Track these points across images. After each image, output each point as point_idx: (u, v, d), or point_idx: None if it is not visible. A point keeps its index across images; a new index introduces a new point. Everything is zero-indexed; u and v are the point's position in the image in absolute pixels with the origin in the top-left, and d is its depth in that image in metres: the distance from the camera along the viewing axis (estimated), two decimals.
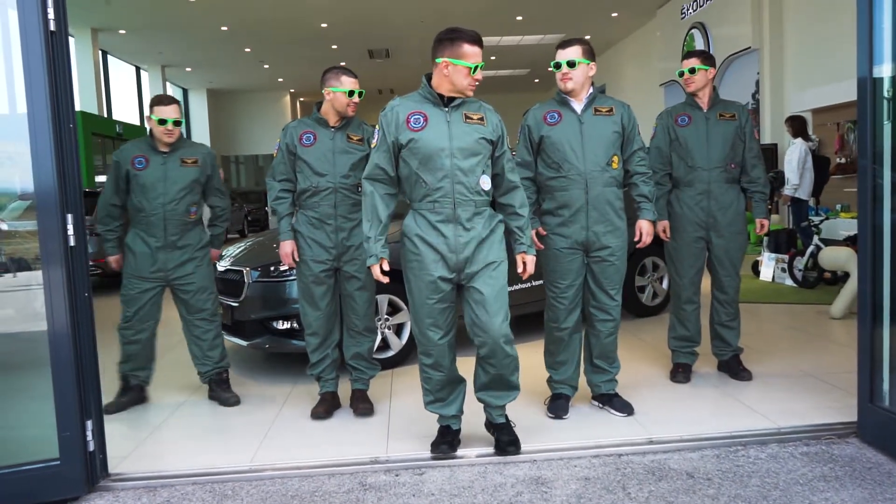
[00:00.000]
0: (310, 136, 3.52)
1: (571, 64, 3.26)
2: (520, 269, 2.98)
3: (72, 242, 2.76)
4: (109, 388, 4.19)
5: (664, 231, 3.84)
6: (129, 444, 3.37)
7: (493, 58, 19.54)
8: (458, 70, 2.81)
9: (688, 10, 14.24)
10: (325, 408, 3.60)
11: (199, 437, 3.52)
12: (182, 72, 20.14)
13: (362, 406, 3.61)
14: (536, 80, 24.82)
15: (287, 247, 3.53)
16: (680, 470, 2.87)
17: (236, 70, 19.85)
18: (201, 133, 22.71)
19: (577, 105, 3.31)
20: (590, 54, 3.28)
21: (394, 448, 3.17)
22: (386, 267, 2.87)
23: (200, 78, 21.30)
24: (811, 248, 6.73)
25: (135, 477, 2.98)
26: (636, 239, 3.41)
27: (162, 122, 3.73)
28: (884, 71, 2.89)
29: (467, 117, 2.87)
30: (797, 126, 7.41)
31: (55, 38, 2.71)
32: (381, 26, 15.60)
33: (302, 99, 26.39)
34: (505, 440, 3.01)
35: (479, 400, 3.04)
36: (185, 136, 3.98)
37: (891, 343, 2.99)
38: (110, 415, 3.76)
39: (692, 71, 3.80)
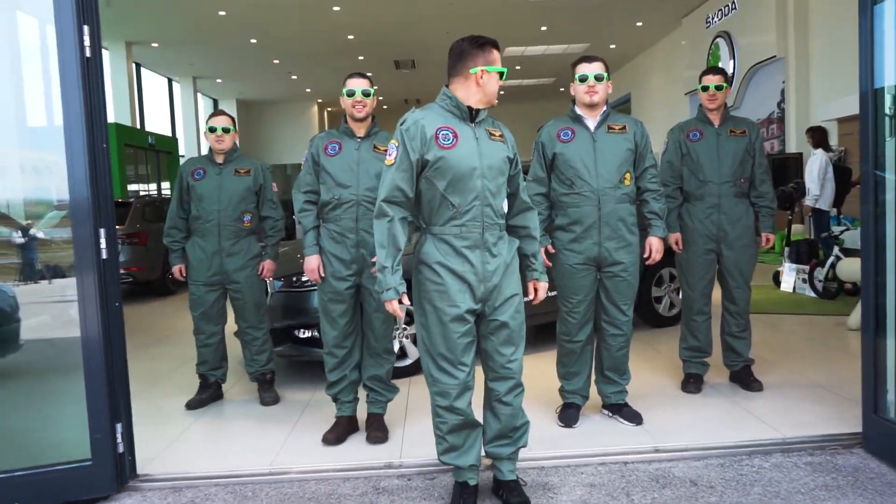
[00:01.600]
0: (335, 146, 3.45)
1: (599, 78, 3.35)
2: (530, 296, 2.79)
3: (104, 255, 2.94)
4: (140, 389, 4.40)
5: (676, 243, 3.92)
6: (157, 446, 3.54)
7: (518, 67, 19.66)
8: (492, 77, 2.62)
9: (713, 18, 14.23)
10: (337, 434, 3.48)
11: (223, 440, 3.68)
12: (213, 83, 20.57)
13: (375, 434, 3.47)
14: (562, 90, 24.84)
15: (313, 262, 3.45)
16: (684, 478, 2.95)
17: (265, 81, 20.20)
18: None
19: (591, 122, 3.40)
20: (609, 72, 3.38)
21: (408, 454, 3.29)
22: (406, 302, 2.63)
23: (230, 89, 21.72)
24: (831, 259, 6.72)
25: (161, 478, 3.14)
26: (646, 255, 3.49)
27: (212, 129, 4.04)
28: (885, 88, 2.96)
29: (490, 134, 2.67)
30: (818, 137, 7.40)
31: (90, 64, 2.89)
32: (407, 37, 15.82)
33: (329, 109, 26.75)
34: (515, 502, 2.70)
35: (489, 454, 2.78)
36: (238, 149, 4.24)
37: None
38: (191, 410, 4.13)
39: (719, 88, 3.87)
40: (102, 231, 2.92)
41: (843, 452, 3.13)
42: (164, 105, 19.49)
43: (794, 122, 11.53)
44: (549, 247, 3.44)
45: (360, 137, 3.48)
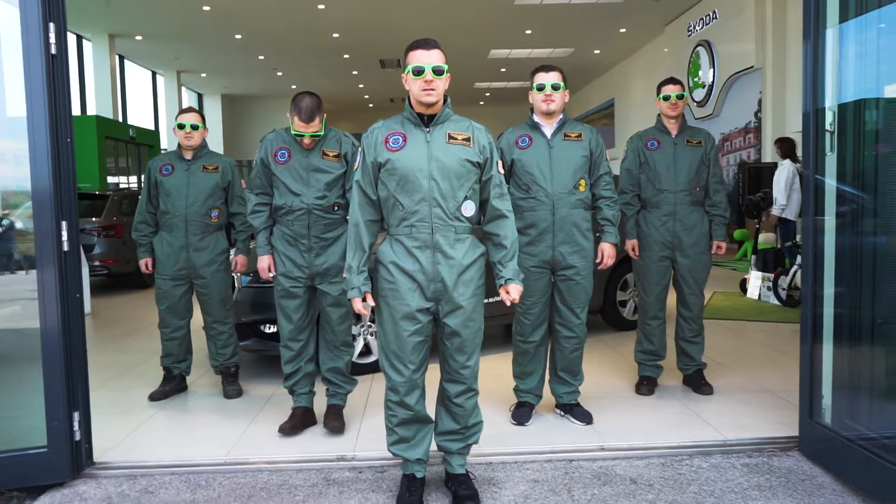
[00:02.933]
0: (284, 153, 3.46)
1: (556, 87, 3.45)
2: (503, 297, 2.75)
3: (66, 247, 3.00)
4: (105, 380, 4.45)
5: (633, 249, 4.04)
6: (117, 435, 3.60)
7: (503, 70, 19.82)
8: (409, 79, 2.64)
9: (695, 27, 14.42)
10: (293, 424, 3.55)
11: (183, 431, 3.75)
12: (197, 77, 20.54)
13: (333, 423, 3.53)
14: None
15: (263, 261, 3.53)
16: (625, 476, 3.05)
17: (250, 77, 20.21)
18: (215, 137, 23.09)
19: (548, 129, 3.51)
20: (566, 81, 3.48)
21: (362, 447, 3.37)
22: (371, 301, 2.70)
23: (215, 84, 21.70)
24: (794, 268, 6.88)
25: (118, 466, 3.21)
26: (597, 260, 3.59)
27: (181, 126, 4.11)
28: (827, 106, 3.08)
29: (451, 137, 2.67)
30: (786, 147, 7.56)
31: (56, 60, 2.95)
32: (392, 37, 15.87)
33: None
34: (464, 493, 2.78)
35: (440, 447, 2.88)
36: (207, 145, 4.30)
37: (833, 363, 3.17)
38: (155, 401, 4.19)
39: (680, 97, 3.99)
40: (64, 224, 2.99)
41: (780, 455, 3.25)
42: (147, 99, 19.43)
43: (771, 132, 11.73)
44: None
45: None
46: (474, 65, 18.93)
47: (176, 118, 4.18)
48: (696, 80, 14.48)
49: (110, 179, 14.18)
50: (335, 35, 15.53)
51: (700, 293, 4.08)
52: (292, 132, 3.42)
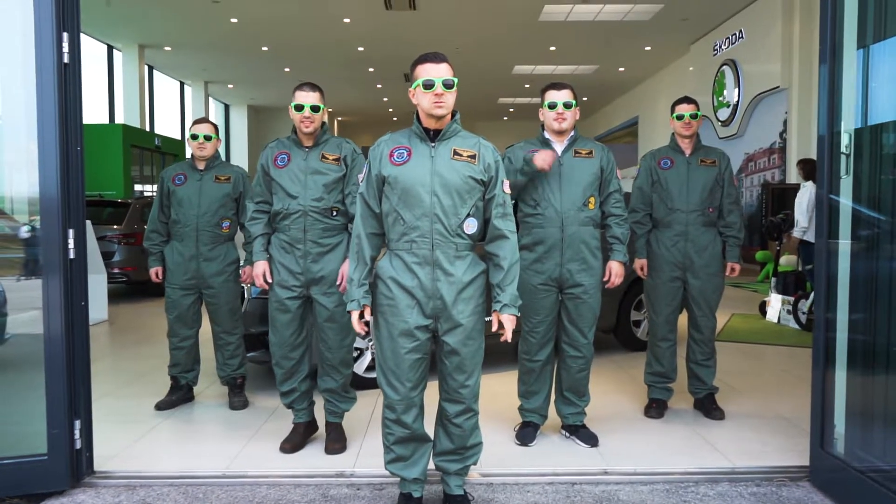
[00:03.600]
0: (284, 157, 3.45)
1: (568, 105, 3.42)
2: (494, 328, 2.69)
3: (72, 255, 3.02)
4: (114, 388, 4.48)
5: (642, 269, 3.98)
6: (120, 444, 3.60)
7: (527, 86, 19.83)
8: (418, 92, 2.62)
9: (720, 46, 14.32)
10: (293, 444, 3.51)
11: (185, 442, 3.75)
12: (224, 88, 20.81)
13: (333, 446, 3.49)
14: None
15: (258, 268, 3.46)
16: (628, 501, 2.98)
17: (276, 88, 20.41)
18: (241, 148, 23.36)
19: (559, 146, 3.47)
20: (577, 99, 3.46)
21: (362, 464, 3.34)
22: (367, 316, 2.69)
23: (242, 95, 21.97)
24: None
25: (118, 475, 3.20)
26: (605, 279, 3.54)
27: (194, 137, 4.14)
28: (843, 128, 3.01)
29: (456, 153, 2.64)
30: (808, 169, 7.44)
31: (68, 70, 2.99)
32: (416, 51, 15.75)
33: (340, 118, 26.97)
34: None
35: (438, 467, 2.84)
36: (221, 156, 4.34)
37: (846, 391, 3.08)
38: (161, 411, 4.20)
39: (694, 117, 3.94)
40: (71, 231, 3.01)
41: (790, 485, 3.16)
42: (175, 108, 19.72)
43: (795, 152, 11.57)
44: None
45: (308, 147, 3.48)
46: (498, 80, 18.97)
47: (189, 129, 4.20)
48: (720, 99, 14.36)
49: (136, 188, 14.39)
50: (360, 48, 15.66)
51: (712, 315, 4.00)
52: (293, 105, 3.41)
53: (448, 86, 2.61)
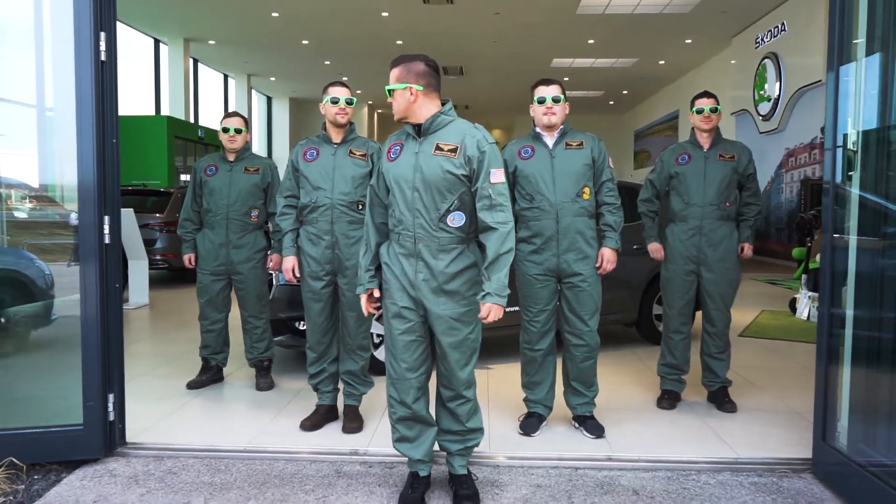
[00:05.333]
0: (313, 152, 3.65)
1: (556, 100, 3.53)
2: (482, 314, 2.68)
3: (107, 240, 3.23)
4: (149, 368, 4.73)
5: (658, 252, 4.09)
6: (151, 419, 3.83)
7: (566, 79, 19.74)
8: (393, 95, 2.77)
9: (762, 39, 14.09)
10: (314, 422, 3.70)
11: (211, 419, 3.95)
12: (266, 81, 21.22)
13: (350, 425, 3.66)
14: (611, 103, 24.83)
15: (287, 262, 3.68)
16: (628, 487, 3.08)
17: (317, 81, 20.66)
18: (283, 139, 23.78)
19: (550, 140, 3.57)
20: (565, 94, 3.56)
21: (376, 443, 3.49)
22: (376, 295, 2.88)
23: (283, 87, 22.36)
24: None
25: (147, 446, 3.42)
26: (597, 265, 3.60)
27: (225, 130, 4.36)
28: (849, 126, 3.05)
29: (438, 147, 2.71)
30: None
31: (105, 67, 3.19)
32: (455, 45, 16.09)
33: (379, 111, 27.23)
34: (463, 493, 2.86)
35: (441, 447, 2.95)
36: (250, 148, 4.56)
37: (850, 386, 3.11)
38: (192, 390, 4.43)
39: (714, 111, 3.98)
40: (107, 218, 3.22)
41: (792, 476, 3.21)
42: (219, 100, 20.17)
43: None
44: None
45: (336, 143, 3.67)
46: (537, 73, 18.79)
47: (220, 122, 4.41)
48: (761, 93, 14.15)
49: (181, 178, 14.83)
50: (399, 42, 15.81)
51: (726, 309, 4.04)
52: (329, 99, 3.61)
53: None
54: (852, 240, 3.10)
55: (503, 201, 2.71)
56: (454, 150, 2.70)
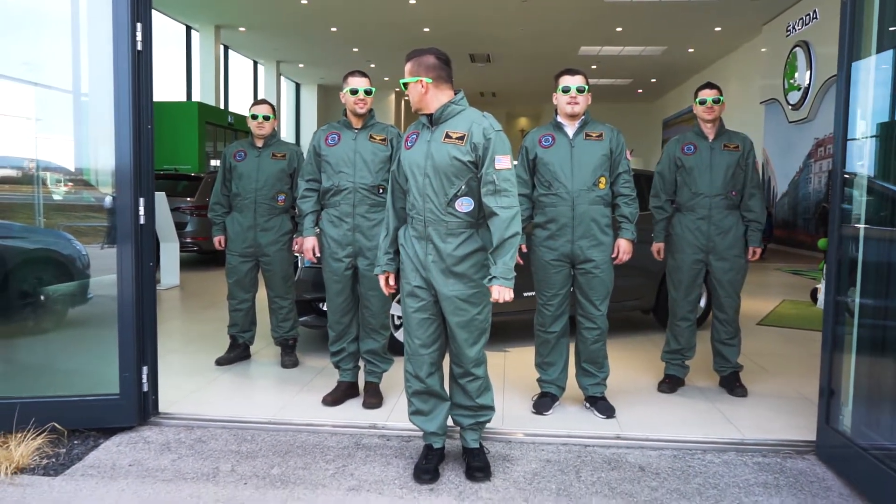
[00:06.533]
0: (334, 137, 3.79)
1: (581, 90, 3.63)
2: (493, 297, 2.79)
3: (142, 221, 3.41)
4: (181, 345, 4.93)
5: (658, 252, 4.15)
6: (183, 391, 4.04)
7: (593, 67, 19.68)
8: (409, 88, 2.92)
9: (794, 27, 13.94)
10: (335, 397, 3.86)
11: (239, 392, 4.15)
12: (295, 67, 21.45)
13: (370, 400, 3.83)
14: (640, 91, 24.66)
15: (308, 242, 3.86)
16: (634, 463, 3.20)
17: (345, 68, 20.59)
18: (310, 125, 24.03)
19: (570, 129, 3.68)
20: (588, 84, 3.66)
21: (393, 418, 3.66)
22: (392, 281, 3.05)
23: (312, 74, 22.58)
24: None
25: (179, 417, 3.62)
26: (613, 255, 3.71)
27: (254, 117, 4.54)
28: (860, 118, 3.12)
29: (447, 135, 2.84)
30: None
31: (141, 56, 3.36)
32: (482, 32, 16.14)
33: (406, 98, 27.33)
34: (475, 465, 3.00)
35: (454, 420, 3.08)
36: (277, 134, 4.74)
37: (854, 371, 3.20)
38: (221, 366, 4.64)
39: (716, 101, 4.05)
40: (142, 200, 3.40)
41: (795, 457, 3.30)
42: (248, 86, 20.45)
43: None
44: (523, 246, 3.71)
45: (357, 129, 3.81)
46: (564, 61, 18.76)
47: (249, 109, 4.58)
48: (791, 81, 14.01)
49: (211, 163, 15.13)
50: (426, 29, 15.91)
51: (735, 296, 4.12)
52: (348, 89, 3.75)
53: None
54: (859, 229, 3.17)
55: (508, 187, 2.80)
56: (462, 138, 2.83)
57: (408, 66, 2.93)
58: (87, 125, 4.15)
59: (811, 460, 3.28)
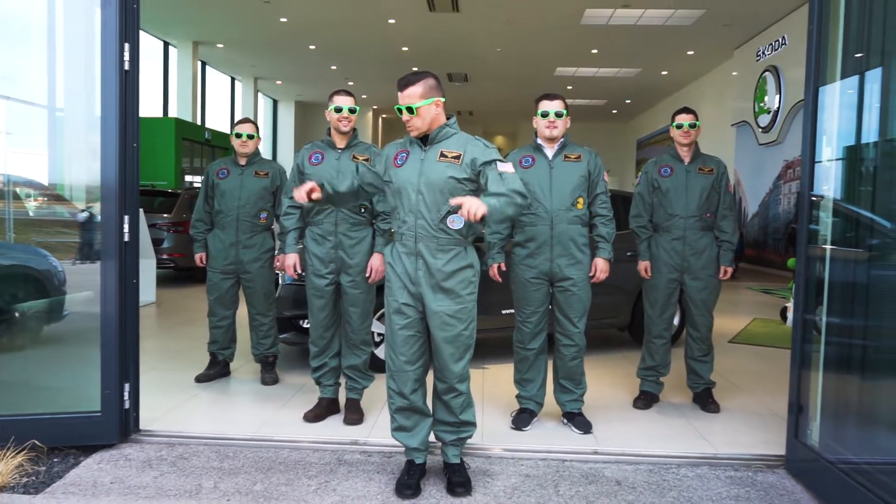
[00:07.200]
0: (318, 156, 3.88)
1: (559, 114, 3.74)
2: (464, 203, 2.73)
3: (126, 238, 3.43)
4: (159, 362, 4.92)
5: (645, 271, 4.26)
6: (163, 408, 4.04)
7: (569, 87, 19.99)
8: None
9: (764, 52, 14.30)
10: (316, 413, 3.91)
11: (220, 409, 4.17)
12: (273, 84, 21.48)
13: (351, 416, 3.87)
14: (614, 112, 25.06)
15: (289, 259, 3.91)
16: (611, 478, 3.27)
17: (323, 85, 20.95)
18: (288, 142, 24.04)
19: (550, 151, 3.79)
20: (567, 108, 3.76)
21: (376, 435, 3.70)
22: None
23: (290, 91, 22.63)
24: None
25: (160, 434, 3.62)
26: (591, 274, 3.81)
27: (238, 135, 4.58)
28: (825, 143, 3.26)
29: (442, 155, 2.95)
30: None
31: (128, 76, 3.40)
32: (460, 52, 16.34)
33: (384, 115, 27.49)
34: (456, 480, 3.05)
35: (436, 436, 3.14)
36: (261, 153, 4.78)
37: (822, 387, 3.31)
38: (200, 383, 4.64)
39: (692, 126, 4.19)
40: (126, 217, 3.42)
41: (766, 471, 3.40)
42: (225, 102, 20.42)
43: None
44: (502, 265, 3.81)
45: (340, 148, 3.90)
46: (540, 82, 19.14)
47: (232, 128, 4.62)
48: (761, 105, 14.35)
49: (186, 178, 15.07)
50: (405, 48, 16.07)
51: (708, 314, 4.24)
52: (332, 108, 3.84)
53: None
54: (826, 249, 3.30)
55: (513, 184, 2.87)
56: (457, 158, 2.96)
57: (416, 90, 2.94)
58: (62, 140, 4.16)
59: (781, 474, 3.38)
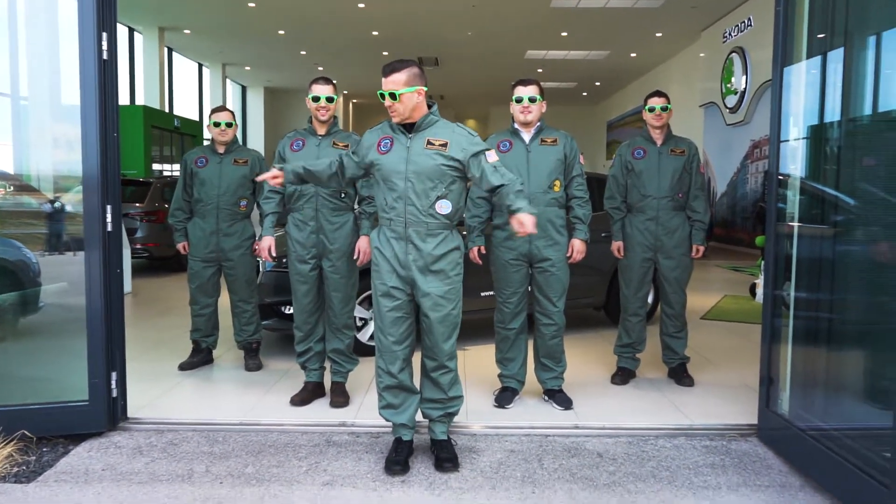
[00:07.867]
0: (299, 143, 3.93)
1: (533, 100, 3.81)
2: (515, 228, 2.92)
3: (109, 228, 3.45)
4: (142, 352, 4.93)
5: (618, 251, 4.37)
6: (149, 396, 4.07)
7: (539, 70, 20.04)
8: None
9: (730, 33, 14.51)
10: (302, 397, 3.97)
11: (206, 396, 4.21)
12: (241, 70, 21.22)
13: (337, 399, 3.94)
14: (584, 94, 25.21)
15: (265, 242, 3.90)
16: (593, 450, 3.40)
17: (292, 71, 20.79)
18: (257, 129, 23.81)
19: (527, 135, 3.87)
20: (542, 93, 3.83)
21: (361, 416, 3.77)
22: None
23: (259, 77, 22.36)
24: None
25: (148, 421, 3.66)
26: (568, 255, 3.91)
27: (216, 124, 4.57)
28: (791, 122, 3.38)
29: (429, 143, 3.02)
30: None
31: (107, 66, 3.40)
32: (431, 36, 16.29)
33: (355, 101, 27.32)
34: (443, 456, 3.15)
35: (423, 414, 3.23)
36: (239, 141, 4.77)
37: (791, 358, 3.46)
38: (184, 371, 4.66)
39: (664, 109, 4.29)
40: (109, 207, 3.43)
41: (739, 440, 3.55)
42: (193, 89, 20.15)
43: None
44: (482, 248, 3.90)
45: (321, 136, 3.95)
46: (511, 65, 19.20)
47: (210, 116, 4.63)
48: (728, 86, 14.57)
49: (155, 167, 14.88)
50: (375, 33, 15.98)
51: (682, 292, 4.37)
52: (311, 97, 3.88)
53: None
54: (793, 226, 3.43)
55: (504, 171, 3.03)
56: (444, 145, 3.04)
57: (400, 77, 2.99)
58: (28, 130, 4.13)
59: (753, 442, 3.53)
